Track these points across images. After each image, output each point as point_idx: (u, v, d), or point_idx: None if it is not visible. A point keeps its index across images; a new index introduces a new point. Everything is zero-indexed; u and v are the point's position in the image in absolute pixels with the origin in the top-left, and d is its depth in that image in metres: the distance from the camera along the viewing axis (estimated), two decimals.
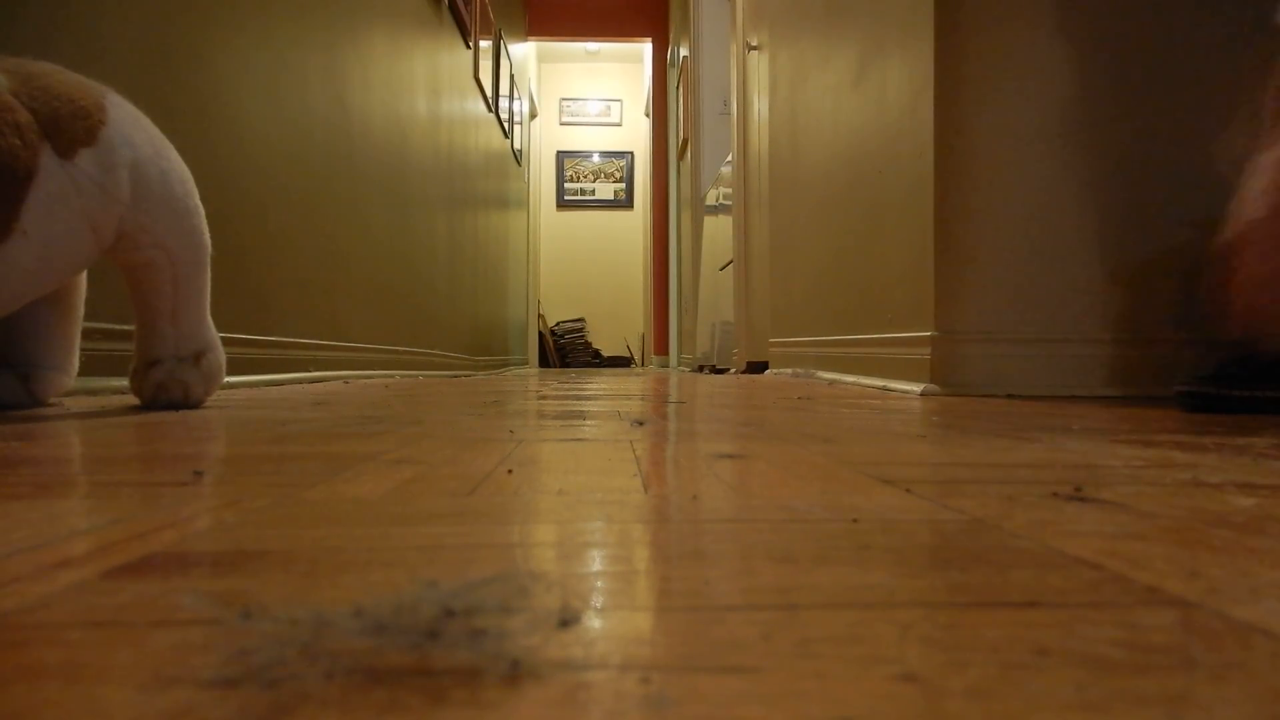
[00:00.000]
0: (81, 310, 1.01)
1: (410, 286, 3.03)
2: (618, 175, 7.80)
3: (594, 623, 0.22)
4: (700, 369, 4.53)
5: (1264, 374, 1.02)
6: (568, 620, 0.22)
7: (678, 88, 5.88)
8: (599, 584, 0.25)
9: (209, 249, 1.00)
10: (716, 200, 4.31)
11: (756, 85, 3.42)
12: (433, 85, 3.34)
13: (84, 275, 0.99)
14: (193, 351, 0.98)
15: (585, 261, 7.76)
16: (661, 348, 6.72)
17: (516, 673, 0.18)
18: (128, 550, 0.29)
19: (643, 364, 7.52)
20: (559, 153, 7.76)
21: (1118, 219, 1.50)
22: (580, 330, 7.51)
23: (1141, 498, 0.40)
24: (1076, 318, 1.50)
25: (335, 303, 2.23)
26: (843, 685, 0.17)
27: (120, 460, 0.52)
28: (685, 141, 5.42)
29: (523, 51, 6.28)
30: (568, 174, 7.76)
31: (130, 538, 0.31)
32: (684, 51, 5.44)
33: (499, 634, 0.20)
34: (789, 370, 2.51)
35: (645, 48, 6.91)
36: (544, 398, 1.41)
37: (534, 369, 5.78)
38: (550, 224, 7.71)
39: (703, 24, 4.83)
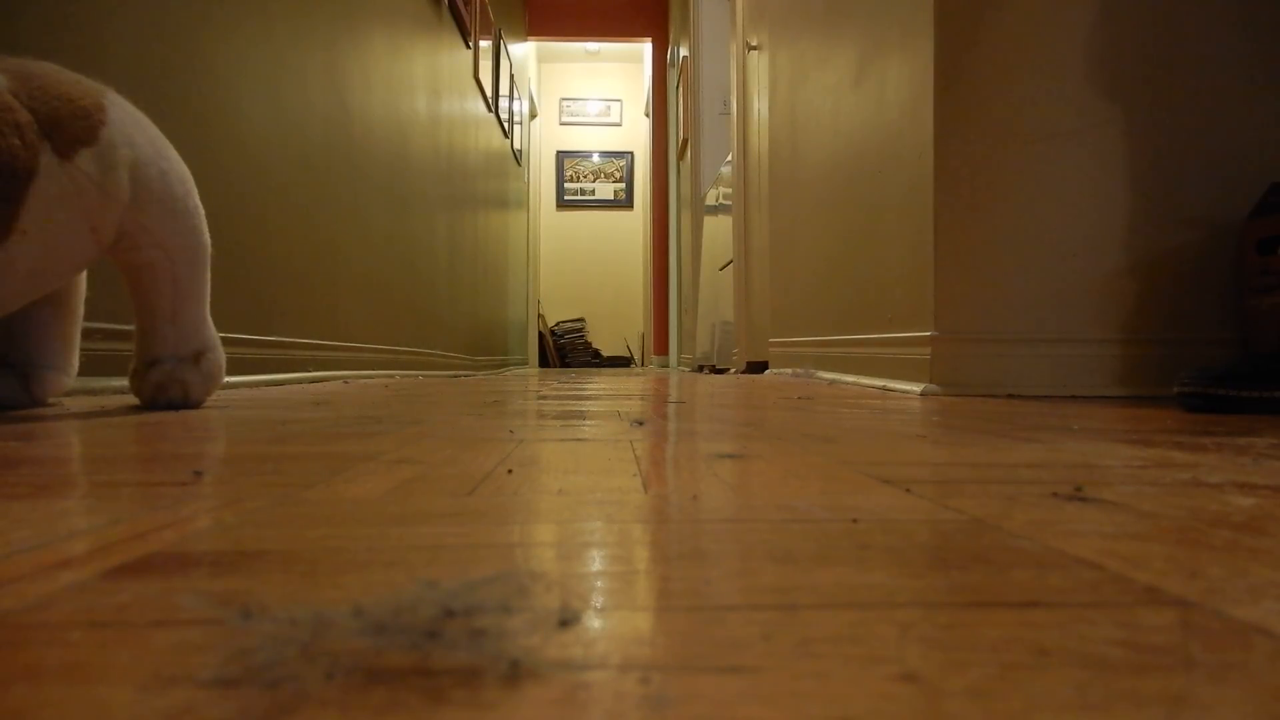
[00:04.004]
0: (81, 310, 1.01)
1: (410, 286, 3.03)
2: (618, 175, 7.80)
3: (594, 623, 0.22)
4: (700, 369, 4.53)
5: (1274, 375, 1.02)
6: (567, 620, 0.21)
7: (678, 88, 5.88)
8: (599, 584, 0.25)
9: (209, 249, 1.00)
10: (716, 200, 4.31)
11: (756, 85, 3.42)
12: (433, 85, 3.34)
13: (84, 275, 0.99)
14: (192, 351, 0.98)
15: (585, 261, 7.76)
16: (661, 348, 6.72)
17: (516, 673, 0.18)
18: (128, 550, 0.29)
19: (643, 364, 7.52)
20: (559, 153, 7.76)
21: (1119, 219, 1.50)
22: (580, 330, 7.51)
23: (1141, 498, 0.40)
24: (1076, 318, 1.49)
25: (335, 302, 2.23)
26: (843, 685, 0.17)
27: (120, 460, 0.52)
28: (685, 141, 5.42)
29: (523, 51, 6.28)
30: (568, 174, 7.76)
31: (130, 538, 0.31)
32: (684, 51, 5.44)
33: (499, 634, 0.20)
34: (789, 370, 2.51)
35: (645, 48, 6.91)
36: (544, 398, 1.41)
37: (534, 369, 5.77)
38: (550, 224, 7.71)
39: (703, 24, 4.83)
